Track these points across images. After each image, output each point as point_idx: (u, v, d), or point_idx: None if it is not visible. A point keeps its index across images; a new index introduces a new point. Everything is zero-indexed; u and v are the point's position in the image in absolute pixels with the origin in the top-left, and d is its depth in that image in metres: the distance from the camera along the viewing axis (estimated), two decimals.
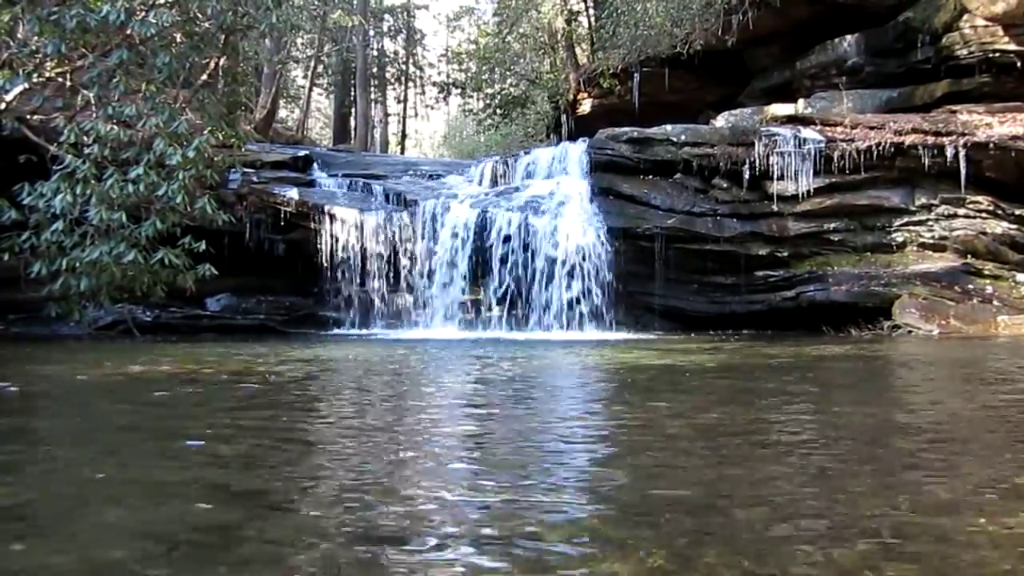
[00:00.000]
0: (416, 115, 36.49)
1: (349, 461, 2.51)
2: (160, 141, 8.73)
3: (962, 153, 10.61)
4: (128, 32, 9.18)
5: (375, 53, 30.60)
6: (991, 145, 10.68)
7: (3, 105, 9.37)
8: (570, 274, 10.22)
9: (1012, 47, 11.90)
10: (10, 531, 1.71)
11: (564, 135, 19.47)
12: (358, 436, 3.00)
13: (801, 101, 14.16)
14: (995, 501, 1.98)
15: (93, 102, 9.09)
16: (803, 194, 10.91)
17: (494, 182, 12.00)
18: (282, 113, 27.17)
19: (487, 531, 1.71)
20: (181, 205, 8.73)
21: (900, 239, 10.94)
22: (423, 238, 10.71)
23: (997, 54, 12.04)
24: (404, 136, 34.16)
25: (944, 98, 12.49)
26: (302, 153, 12.22)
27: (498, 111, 28.52)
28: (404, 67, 32.59)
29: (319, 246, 10.66)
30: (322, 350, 7.42)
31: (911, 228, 10.97)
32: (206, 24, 10.51)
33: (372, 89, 30.39)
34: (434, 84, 32.59)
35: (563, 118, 21.03)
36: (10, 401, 4.03)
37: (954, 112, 11.65)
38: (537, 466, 2.40)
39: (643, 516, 1.84)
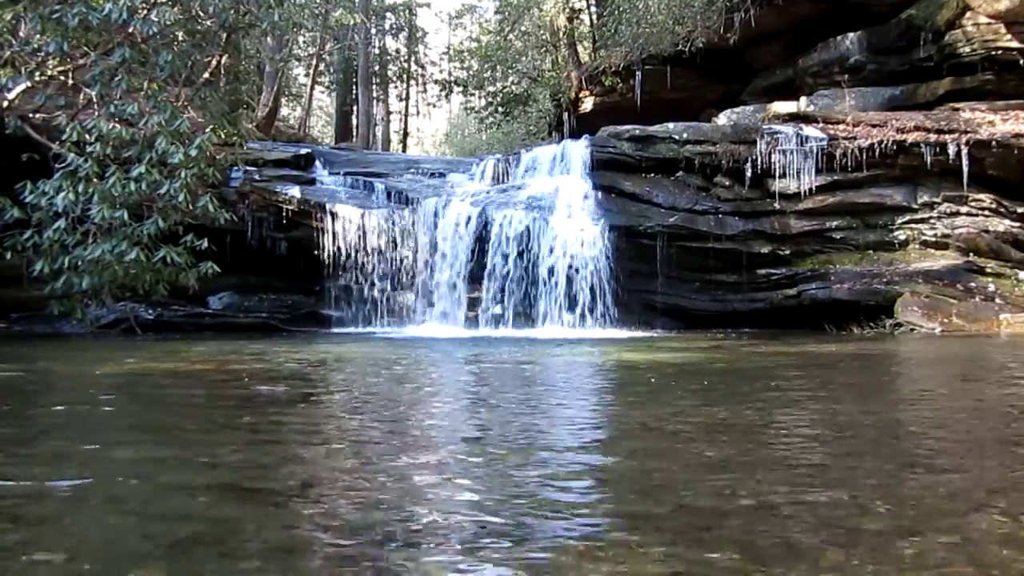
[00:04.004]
0: (418, 113, 36.48)
1: (347, 457, 2.52)
2: (162, 139, 8.74)
3: (964, 151, 10.59)
4: (130, 30, 9.19)
5: (377, 51, 30.59)
6: (993, 143, 10.66)
7: (5, 103, 9.38)
8: (572, 272, 10.22)
9: (1015, 44, 11.87)
10: None
11: (566, 133, 19.45)
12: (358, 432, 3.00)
13: (803, 99, 14.13)
14: (1000, 499, 1.98)
15: (95, 100, 9.09)
16: (805, 192, 10.89)
17: (496, 180, 11.99)
18: (284, 111, 27.20)
19: (488, 530, 1.71)
20: (183, 203, 8.74)
21: (902, 237, 10.93)
22: (425, 236, 10.71)
23: (1000, 52, 12.01)
24: (406, 134, 34.15)
25: (946, 96, 12.46)
26: (304, 151, 12.21)
27: (500, 109, 28.51)
28: (406, 65, 32.56)
29: (321, 244, 10.67)
30: (326, 348, 7.43)
31: (913, 226, 10.95)
32: (208, 22, 10.52)
33: (374, 87, 30.38)
34: (436, 82, 32.58)
35: (565, 116, 21.00)
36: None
37: (956, 110, 11.63)
38: (540, 466, 2.40)
39: (645, 514, 1.84)
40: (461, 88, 30.90)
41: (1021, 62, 11.88)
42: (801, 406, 3.76)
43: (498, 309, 10.33)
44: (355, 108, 28.64)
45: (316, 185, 11.41)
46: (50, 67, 9.63)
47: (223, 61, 12.55)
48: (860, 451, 2.65)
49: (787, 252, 10.92)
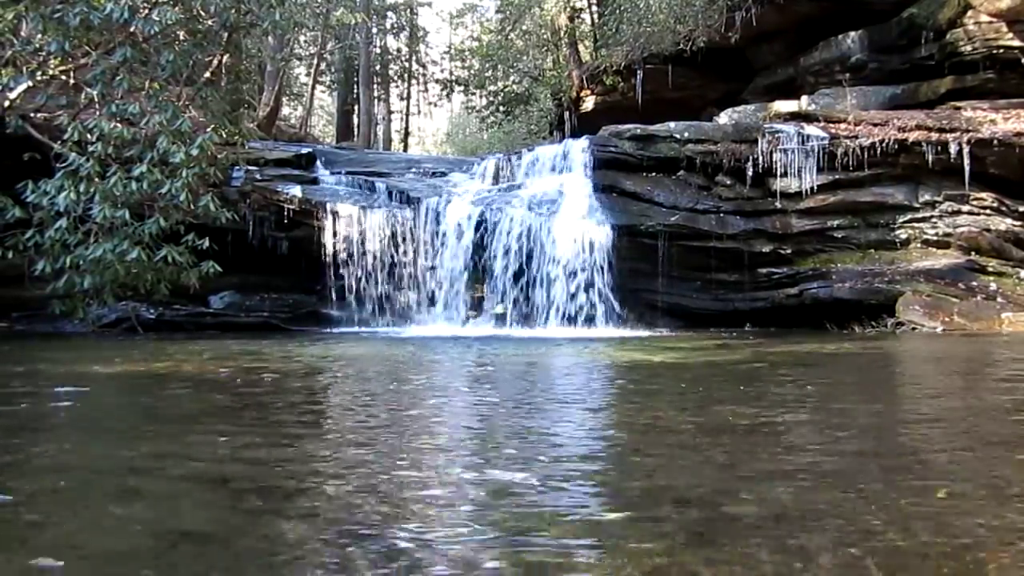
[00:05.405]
0: (419, 112, 36.47)
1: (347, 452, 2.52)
2: (163, 139, 8.75)
3: (966, 150, 10.58)
4: (131, 30, 9.20)
5: (378, 50, 30.60)
6: (995, 142, 10.64)
7: (7, 103, 9.39)
8: (573, 271, 10.22)
9: (1016, 43, 11.87)
10: None
11: (567, 132, 19.46)
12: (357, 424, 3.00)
13: (804, 98, 14.13)
14: (1003, 499, 1.98)
15: (96, 100, 9.11)
16: (806, 191, 10.89)
17: (497, 179, 11.98)
18: (285, 111, 27.20)
19: (490, 528, 1.71)
20: (184, 203, 8.76)
21: (904, 236, 10.92)
22: (426, 235, 10.71)
23: (1001, 50, 12.01)
24: (407, 133, 34.16)
25: (948, 95, 12.46)
26: (305, 151, 12.21)
27: (501, 108, 28.52)
28: (407, 64, 32.57)
29: (322, 243, 10.66)
30: (327, 348, 7.43)
31: (915, 225, 10.95)
32: (209, 22, 10.53)
33: (375, 86, 30.39)
34: (437, 81, 32.59)
35: (566, 115, 21.02)
36: None
37: (958, 109, 11.63)
38: (543, 464, 2.40)
39: (646, 513, 1.84)
40: (462, 87, 30.92)
41: (1022, 60, 11.87)
42: (805, 405, 3.76)
43: (500, 308, 10.34)
44: (356, 107, 28.67)
45: (317, 184, 11.41)
46: (51, 67, 9.64)
47: (224, 60, 12.56)
48: (864, 451, 2.65)
49: (788, 251, 10.92)
